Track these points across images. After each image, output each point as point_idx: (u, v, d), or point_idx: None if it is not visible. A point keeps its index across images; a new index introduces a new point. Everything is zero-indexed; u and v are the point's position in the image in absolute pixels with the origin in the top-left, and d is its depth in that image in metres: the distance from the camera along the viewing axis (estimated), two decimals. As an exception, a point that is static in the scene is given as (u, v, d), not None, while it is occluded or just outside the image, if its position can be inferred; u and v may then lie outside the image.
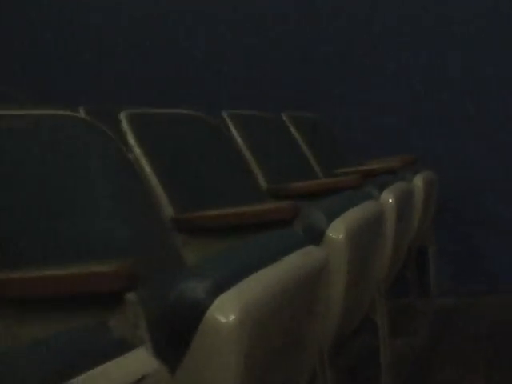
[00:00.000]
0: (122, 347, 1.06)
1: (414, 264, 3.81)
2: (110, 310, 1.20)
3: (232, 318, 1.20)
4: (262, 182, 2.67)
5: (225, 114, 2.77)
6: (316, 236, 1.89)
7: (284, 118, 3.44)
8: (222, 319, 1.20)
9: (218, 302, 1.22)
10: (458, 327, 3.55)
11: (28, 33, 4.32)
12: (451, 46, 4.14)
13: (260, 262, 1.38)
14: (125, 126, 2.08)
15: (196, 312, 1.21)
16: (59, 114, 1.92)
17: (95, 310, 1.22)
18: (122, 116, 2.09)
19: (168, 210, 1.98)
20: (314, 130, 3.66)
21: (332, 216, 1.94)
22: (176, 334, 1.25)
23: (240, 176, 2.50)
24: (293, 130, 3.40)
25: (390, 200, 2.57)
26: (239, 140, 2.71)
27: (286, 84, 4.26)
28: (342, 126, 4.09)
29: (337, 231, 1.87)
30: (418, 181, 3.36)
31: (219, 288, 1.24)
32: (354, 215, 2.02)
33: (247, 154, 2.69)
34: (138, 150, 2.02)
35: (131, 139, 2.04)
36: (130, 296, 1.22)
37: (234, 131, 2.73)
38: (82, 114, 2.25)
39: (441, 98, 4.15)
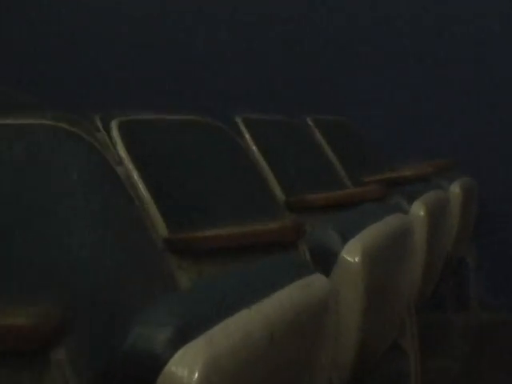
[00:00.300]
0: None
1: (451, 277, 3.55)
2: (30, 371, 0.94)
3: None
4: (280, 194, 2.43)
5: (238, 119, 2.53)
6: (328, 258, 1.66)
7: (310, 123, 3.20)
8: (184, 376, 0.98)
9: (179, 354, 1.00)
10: (499, 346, 3.29)
11: (27, 33, 4.15)
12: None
13: (244, 299, 1.15)
14: (115, 135, 1.85)
15: (151, 367, 1.00)
16: (37, 123, 1.71)
17: (9, 370, 0.96)
18: (113, 124, 1.87)
19: (161, 230, 1.75)
20: (342, 135, 3.41)
21: (348, 234, 1.70)
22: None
23: (253, 189, 2.26)
24: (318, 134, 3.15)
25: (421, 213, 2.33)
26: (254, 147, 2.48)
27: (311, 86, 4.02)
28: (373, 130, 3.84)
29: (352, 253, 1.64)
30: (455, 188, 3.10)
31: (183, 336, 1.01)
32: (374, 233, 1.78)
33: (262, 163, 2.45)
34: (129, 164, 1.80)
35: (122, 150, 1.82)
36: (56, 354, 0.99)
37: (247, 138, 2.50)
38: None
39: (484, 100, 3.88)
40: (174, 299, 1.18)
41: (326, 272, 1.52)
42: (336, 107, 3.86)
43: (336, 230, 1.69)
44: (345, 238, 1.67)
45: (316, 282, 1.35)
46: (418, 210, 2.33)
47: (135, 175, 1.79)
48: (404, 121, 3.96)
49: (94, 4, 4.12)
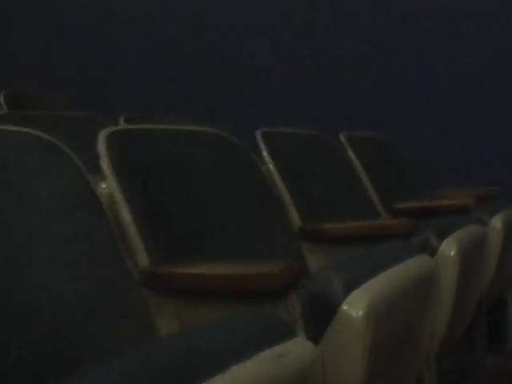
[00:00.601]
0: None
1: (485, 318, 3.27)
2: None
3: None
4: (296, 220, 2.19)
5: (258, 133, 2.29)
6: (328, 311, 1.50)
7: (342, 139, 2.94)
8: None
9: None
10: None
11: (27, 31, 3.97)
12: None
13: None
14: (101, 146, 1.62)
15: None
16: (8, 130, 1.48)
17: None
18: (102, 135, 1.64)
19: (142, 260, 1.51)
20: (378, 154, 3.15)
21: (354, 281, 1.47)
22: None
23: (263, 215, 2.02)
24: (351, 152, 2.90)
25: (452, 252, 2.06)
26: (271, 165, 2.23)
27: (347, 99, 3.76)
28: (415, 150, 3.58)
29: (355, 306, 1.42)
30: (497, 223, 2.82)
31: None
32: (387, 281, 1.55)
33: (280, 182, 2.21)
34: (111, 181, 1.56)
35: (105, 166, 1.59)
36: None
37: (265, 154, 2.25)
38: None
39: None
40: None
41: (323, 327, 1.47)
42: (376, 124, 3.60)
43: (340, 275, 1.45)
44: (348, 287, 1.43)
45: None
46: (449, 248, 2.06)
47: (118, 196, 1.56)
48: (449, 143, 3.69)
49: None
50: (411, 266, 1.70)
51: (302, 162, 2.48)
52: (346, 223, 2.14)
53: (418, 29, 3.77)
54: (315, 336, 1.39)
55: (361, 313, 1.39)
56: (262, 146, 2.25)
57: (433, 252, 2.03)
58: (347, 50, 3.82)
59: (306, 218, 2.21)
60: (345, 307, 1.40)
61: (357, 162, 2.87)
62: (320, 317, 1.43)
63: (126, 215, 1.54)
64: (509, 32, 3.65)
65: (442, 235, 2.11)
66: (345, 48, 3.82)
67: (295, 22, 3.89)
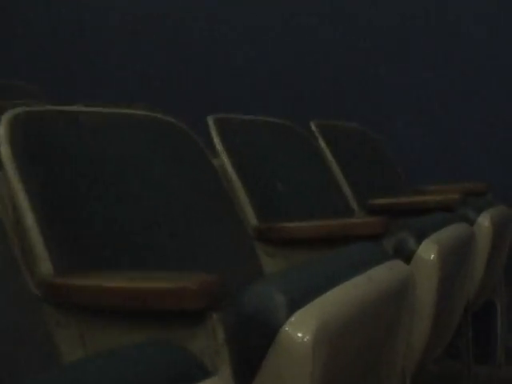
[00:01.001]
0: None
1: (472, 325, 2.99)
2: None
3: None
4: (252, 219, 1.89)
5: (210, 120, 1.99)
6: None
7: (313, 128, 2.65)
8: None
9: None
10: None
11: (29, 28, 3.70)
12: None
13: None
14: (1, 130, 1.32)
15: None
16: None
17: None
18: (4, 118, 1.34)
19: (45, 268, 1.21)
20: (354, 145, 2.86)
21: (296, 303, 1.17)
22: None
23: (213, 213, 1.73)
24: (322, 143, 2.60)
25: (432, 256, 1.77)
26: (224, 157, 1.94)
27: (323, 88, 3.47)
28: (397, 142, 3.29)
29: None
30: (485, 221, 2.53)
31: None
32: (333, 302, 1.23)
33: (234, 178, 1.91)
34: (13, 178, 1.26)
35: (3, 150, 1.29)
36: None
37: (216, 143, 1.95)
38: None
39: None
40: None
41: (258, 357, 1.21)
42: (355, 115, 3.31)
43: (283, 288, 1.17)
44: (293, 303, 1.14)
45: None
46: (428, 251, 1.77)
47: (20, 195, 1.26)
48: (434, 134, 3.39)
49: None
50: (380, 274, 1.40)
51: (263, 153, 2.18)
52: (308, 222, 1.85)
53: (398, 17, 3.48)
54: (246, 370, 1.11)
55: (307, 337, 1.08)
56: (214, 134, 1.95)
57: (409, 256, 1.74)
58: (329, 38, 3.53)
59: (265, 216, 1.92)
60: (287, 329, 1.08)
61: (328, 154, 2.57)
62: (254, 343, 1.13)
63: (27, 213, 1.26)
64: (494, 29, 3.36)
65: (421, 236, 1.81)
66: (327, 36, 3.53)
67: (270, 9, 3.60)
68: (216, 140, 1.94)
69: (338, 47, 3.51)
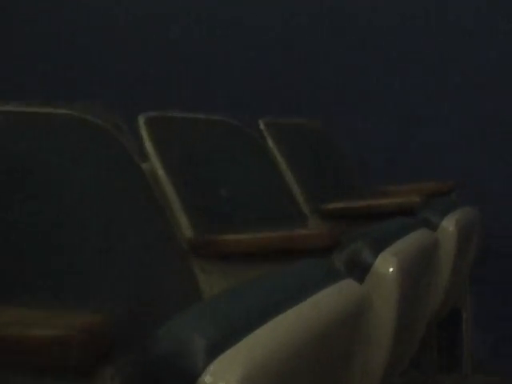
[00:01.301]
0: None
1: (437, 334, 2.79)
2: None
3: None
4: (187, 231, 1.66)
5: (141, 120, 1.76)
6: None
7: (261, 127, 2.43)
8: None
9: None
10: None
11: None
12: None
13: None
14: None
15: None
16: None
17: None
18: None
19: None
20: (307, 144, 2.64)
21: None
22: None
23: (139, 224, 1.50)
24: (272, 143, 2.38)
25: (390, 270, 1.56)
26: (156, 161, 1.71)
27: (276, 83, 3.25)
28: (355, 141, 3.08)
29: None
30: (449, 225, 2.32)
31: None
32: (264, 342, 1.02)
33: (166, 183, 1.68)
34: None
35: None
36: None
37: (148, 145, 1.72)
38: None
39: (487, 109, 3.10)
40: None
41: None
42: (311, 112, 3.09)
43: (202, 330, 0.94)
44: (214, 348, 0.92)
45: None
46: (386, 265, 1.56)
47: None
48: (395, 131, 3.19)
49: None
50: (328, 299, 1.18)
51: (203, 156, 1.96)
52: (248, 234, 1.62)
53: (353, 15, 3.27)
54: None
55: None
56: (144, 134, 1.72)
57: (364, 272, 1.52)
58: (288, 34, 3.31)
59: (203, 227, 1.69)
60: (206, 380, 0.86)
61: (278, 155, 2.36)
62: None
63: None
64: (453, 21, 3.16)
65: (378, 247, 1.60)
66: (286, 31, 3.32)
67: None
68: (145, 140, 1.71)
69: (295, 41, 3.30)
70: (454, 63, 3.15)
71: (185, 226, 1.65)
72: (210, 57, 3.36)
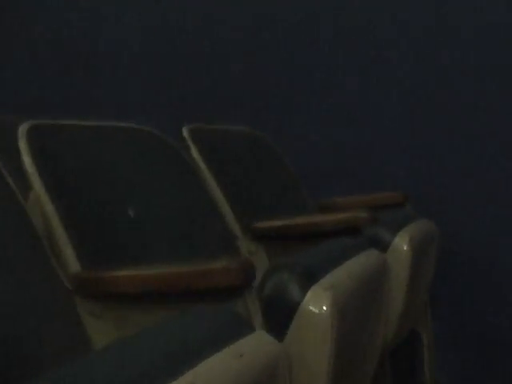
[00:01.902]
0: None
1: (393, 363, 2.49)
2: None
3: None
4: (74, 265, 1.34)
5: (22, 130, 1.43)
6: None
7: (185, 135, 2.11)
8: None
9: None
10: None
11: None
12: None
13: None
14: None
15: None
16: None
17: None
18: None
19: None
20: (241, 154, 2.33)
21: None
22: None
23: (23, 256, 1.19)
24: (196, 153, 2.07)
25: (324, 308, 1.25)
26: (36, 181, 1.38)
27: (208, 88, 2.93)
28: (298, 148, 2.77)
29: None
30: (402, 242, 2.01)
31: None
32: None
33: (50, 211, 1.36)
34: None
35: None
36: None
37: (28, 162, 1.40)
38: None
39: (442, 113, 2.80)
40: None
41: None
42: (249, 118, 2.78)
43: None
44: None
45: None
46: (318, 304, 1.25)
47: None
48: (342, 138, 2.88)
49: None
50: (225, 365, 0.86)
51: (107, 170, 1.64)
52: (144, 269, 1.30)
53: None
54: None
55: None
56: (23, 147, 1.40)
57: (290, 312, 1.21)
58: (230, 36, 3.01)
59: (94, 260, 1.37)
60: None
61: (203, 166, 2.04)
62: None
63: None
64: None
65: (308, 279, 1.29)
66: (227, 33, 3.01)
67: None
68: (24, 155, 1.39)
69: (238, 44, 2.99)
70: (408, 64, 2.86)
71: (70, 259, 1.33)
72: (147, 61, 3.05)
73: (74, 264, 1.33)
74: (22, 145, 1.42)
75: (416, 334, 2.64)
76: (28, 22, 3.12)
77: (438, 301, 2.73)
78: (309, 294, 1.24)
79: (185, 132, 2.11)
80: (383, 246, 1.96)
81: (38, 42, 3.08)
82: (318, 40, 2.87)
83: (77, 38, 3.07)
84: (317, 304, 1.23)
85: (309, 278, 1.26)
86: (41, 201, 1.36)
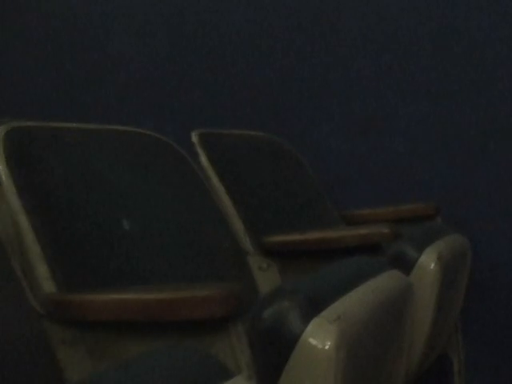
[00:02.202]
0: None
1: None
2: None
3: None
4: (47, 286, 1.18)
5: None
6: None
7: (194, 140, 1.95)
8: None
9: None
10: None
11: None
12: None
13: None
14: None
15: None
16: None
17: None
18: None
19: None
20: (257, 162, 2.16)
21: None
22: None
23: None
24: (205, 162, 1.90)
25: (328, 343, 1.07)
26: (9, 188, 1.22)
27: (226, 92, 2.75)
28: (322, 157, 2.60)
29: None
30: (429, 262, 1.82)
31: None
32: None
33: (23, 221, 1.20)
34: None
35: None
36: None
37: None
38: None
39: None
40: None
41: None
42: (268, 124, 2.61)
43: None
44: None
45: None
46: (320, 340, 1.07)
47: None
48: (371, 146, 2.69)
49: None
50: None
51: (101, 177, 1.48)
52: (122, 292, 1.13)
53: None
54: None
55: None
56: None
57: (290, 344, 1.04)
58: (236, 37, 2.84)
59: (72, 281, 1.21)
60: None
61: (213, 175, 1.87)
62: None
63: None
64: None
65: (311, 309, 1.11)
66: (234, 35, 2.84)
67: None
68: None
69: (243, 44, 2.82)
70: (434, 69, 2.67)
71: (43, 278, 1.17)
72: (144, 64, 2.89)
73: (47, 285, 1.18)
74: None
75: (446, 360, 2.45)
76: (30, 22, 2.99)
77: (470, 324, 2.53)
78: (310, 326, 1.07)
79: (194, 137, 1.94)
80: (408, 265, 1.78)
81: (45, 44, 2.94)
82: (340, 44, 2.69)
83: (84, 41, 2.92)
84: (319, 338, 1.06)
85: (313, 307, 1.09)
86: (13, 212, 1.22)
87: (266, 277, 1.79)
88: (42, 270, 1.18)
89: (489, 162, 2.53)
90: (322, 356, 1.05)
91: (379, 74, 2.64)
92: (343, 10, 2.67)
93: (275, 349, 1.08)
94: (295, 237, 1.70)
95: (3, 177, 1.25)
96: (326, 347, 1.05)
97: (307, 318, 1.08)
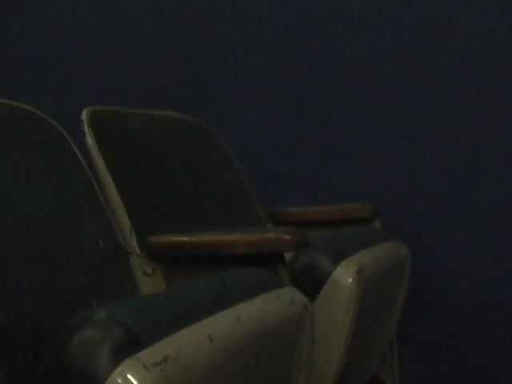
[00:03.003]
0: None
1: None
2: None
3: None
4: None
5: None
6: None
7: (83, 117, 1.65)
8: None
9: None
10: None
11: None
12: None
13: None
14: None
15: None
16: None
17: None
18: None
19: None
20: (166, 146, 1.87)
21: None
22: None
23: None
24: (91, 142, 1.60)
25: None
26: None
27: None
28: (250, 143, 2.31)
29: None
30: (346, 275, 1.53)
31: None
32: None
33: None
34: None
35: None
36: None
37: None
38: None
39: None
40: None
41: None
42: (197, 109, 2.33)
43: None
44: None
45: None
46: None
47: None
48: (305, 140, 2.40)
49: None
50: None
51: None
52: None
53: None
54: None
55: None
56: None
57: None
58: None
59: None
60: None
61: (100, 161, 1.58)
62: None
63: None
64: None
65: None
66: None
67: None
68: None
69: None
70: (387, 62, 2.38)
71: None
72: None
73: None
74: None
75: (379, 383, 2.17)
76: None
77: (407, 341, 2.25)
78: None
79: (84, 114, 1.65)
80: (319, 280, 1.49)
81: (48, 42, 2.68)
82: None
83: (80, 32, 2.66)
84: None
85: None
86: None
87: (151, 283, 1.51)
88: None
89: (435, 162, 2.26)
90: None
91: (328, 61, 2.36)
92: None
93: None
94: (180, 238, 1.42)
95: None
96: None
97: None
